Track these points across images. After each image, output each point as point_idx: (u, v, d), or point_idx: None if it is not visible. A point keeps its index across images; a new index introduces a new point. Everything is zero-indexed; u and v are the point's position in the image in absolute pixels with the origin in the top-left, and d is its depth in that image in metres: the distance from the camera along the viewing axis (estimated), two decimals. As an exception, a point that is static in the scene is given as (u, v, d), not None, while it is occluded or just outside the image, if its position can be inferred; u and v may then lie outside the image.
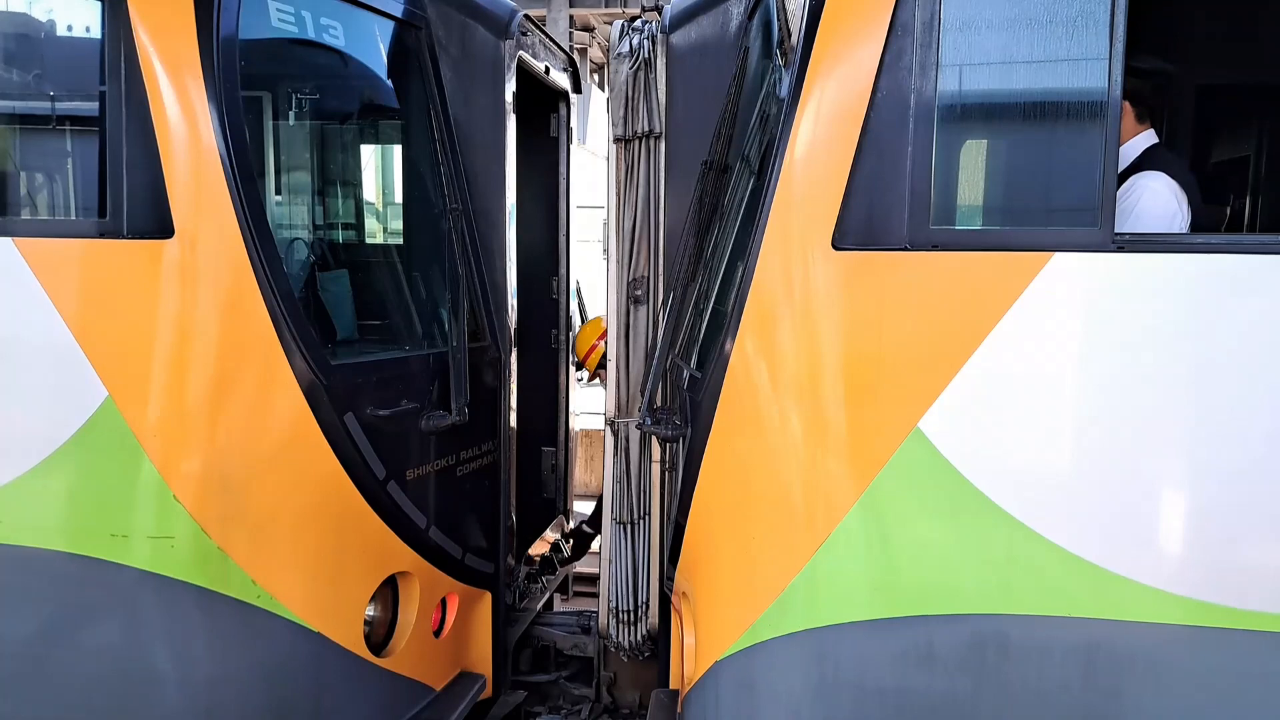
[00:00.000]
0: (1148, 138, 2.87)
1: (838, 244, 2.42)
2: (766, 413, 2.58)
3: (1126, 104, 2.67)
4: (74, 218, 3.29)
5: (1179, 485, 2.34)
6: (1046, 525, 2.35)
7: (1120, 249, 2.30)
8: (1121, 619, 2.33)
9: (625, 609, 3.92)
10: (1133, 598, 2.32)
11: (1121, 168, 2.63)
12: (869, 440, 2.43)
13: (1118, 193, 2.49)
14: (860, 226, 2.42)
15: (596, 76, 19.81)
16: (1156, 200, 2.67)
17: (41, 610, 3.00)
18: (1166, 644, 2.32)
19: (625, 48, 3.64)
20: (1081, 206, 2.39)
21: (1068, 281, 2.31)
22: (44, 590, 2.99)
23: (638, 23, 3.70)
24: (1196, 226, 2.77)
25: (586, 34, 18.02)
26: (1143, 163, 2.80)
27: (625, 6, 15.25)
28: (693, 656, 3.15)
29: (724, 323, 2.72)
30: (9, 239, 2.88)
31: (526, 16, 4.10)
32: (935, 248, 2.38)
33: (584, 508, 6.17)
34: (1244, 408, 2.26)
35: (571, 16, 16.09)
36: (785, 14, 2.88)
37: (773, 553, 2.62)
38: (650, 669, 4.13)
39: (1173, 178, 2.74)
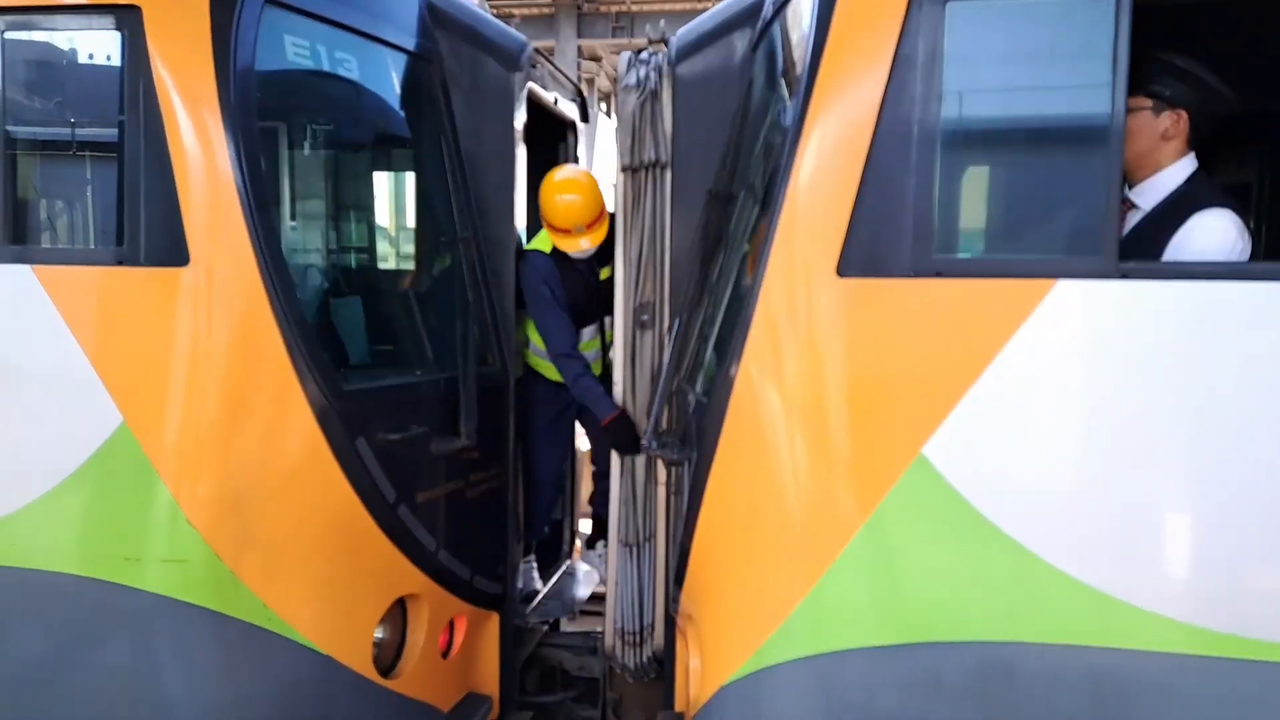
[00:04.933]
0: (1189, 164, 2.57)
1: (842, 271, 2.46)
2: (770, 438, 2.61)
3: (1183, 120, 2.52)
4: (91, 245, 3.35)
5: (1186, 512, 2.34)
6: (1052, 551, 2.35)
7: (1125, 276, 2.32)
8: (1129, 647, 2.32)
9: (631, 630, 3.93)
10: (1141, 626, 2.30)
11: (1159, 199, 2.57)
12: (873, 466, 2.45)
13: (1177, 237, 2.44)
14: (864, 254, 2.46)
15: (604, 105, 20.02)
16: (1226, 241, 2.42)
17: (57, 633, 3.02)
18: (1176, 673, 2.30)
19: (633, 79, 3.70)
20: (1086, 234, 2.41)
21: (1072, 308, 2.33)
22: (60, 614, 3.02)
23: (644, 54, 3.77)
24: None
25: (594, 64, 18.24)
26: (1190, 195, 2.52)
27: (632, 37, 15.48)
28: (698, 680, 3.16)
29: (729, 348, 2.76)
30: (28, 266, 2.95)
31: (536, 49, 4.18)
32: (939, 275, 2.41)
33: (586, 527, 6.16)
34: (1252, 435, 2.25)
35: (580, 47, 16.34)
36: (789, 45, 2.94)
37: (777, 577, 2.64)
38: (656, 691, 4.13)
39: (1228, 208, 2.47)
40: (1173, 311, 2.31)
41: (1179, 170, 2.57)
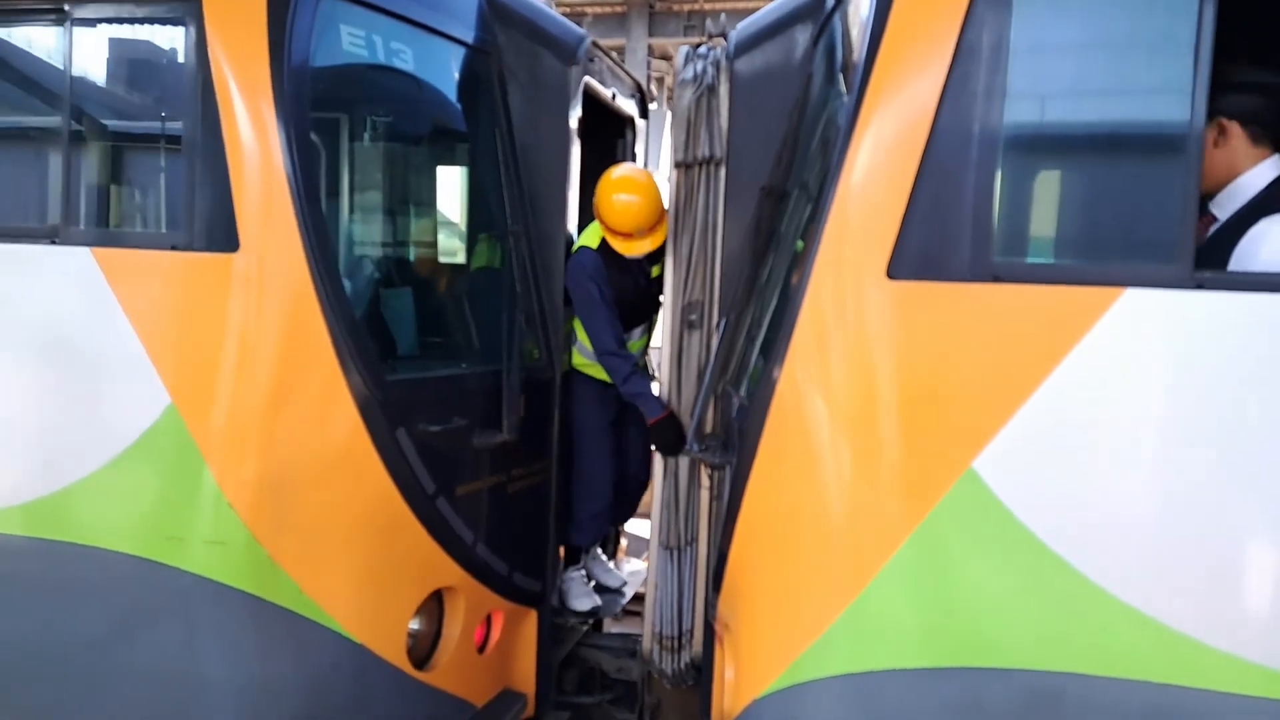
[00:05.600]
0: (1273, 166, 2.40)
1: (893, 273, 2.35)
2: (812, 443, 2.51)
3: (1236, 125, 2.40)
4: (148, 230, 3.44)
5: (1257, 540, 2.15)
6: (1109, 578, 2.20)
7: (1200, 286, 2.15)
8: (1191, 686, 2.15)
9: (669, 635, 3.86)
10: (1206, 663, 2.14)
11: (1240, 204, 2.40)
12: (918, 479, 2.33)
13: (1242, 244, 2.28)
14: (917, 256, 2.34)
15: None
16: None
17: (103, 608, 3.11)
18: (1243, 718, 2.12)
19: (689, 74, 3.63)
20: (1158, 240, 2.25)
21: (1141, 319, 2.17)
22: (106, 589, 3.10)
23: (702, 49, 3.69)
24: None
25: (664, 62, 18.22)
26: (1268, 200, 2.36)
27: (703, 35, 15.39)
28: (733, 691, 3.07)
29: (773, 350, 2.67)
30: (87, 248, 3.03)
31: (595, 44, 4.14)
32: (997, 279, 2.28)
33: (632, 527, 6.10)
34: None
35: (650, 45, 16.32)
36: (849, 38, 2.83)
37: (816, 589, 2.54)
38: (695, 697, 4.05)
39: None
40: (1252, 325, 2.13)
41: (1259, 175, 2.40)
